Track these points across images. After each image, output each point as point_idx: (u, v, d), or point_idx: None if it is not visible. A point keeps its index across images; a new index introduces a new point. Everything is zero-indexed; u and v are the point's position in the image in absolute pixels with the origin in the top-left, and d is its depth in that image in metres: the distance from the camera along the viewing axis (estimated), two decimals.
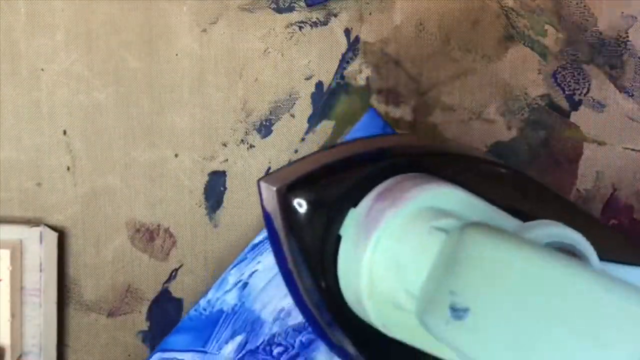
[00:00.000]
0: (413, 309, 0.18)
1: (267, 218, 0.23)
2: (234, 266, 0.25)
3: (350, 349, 0.23)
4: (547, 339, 0.13)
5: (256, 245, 0.25)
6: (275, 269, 0.25)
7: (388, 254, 0.19)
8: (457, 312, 0.15)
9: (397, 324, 0.20)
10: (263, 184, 0.23)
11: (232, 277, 0.25)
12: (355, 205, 0.21)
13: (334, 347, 0.23)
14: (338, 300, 0.21)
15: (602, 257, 0.18)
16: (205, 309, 0.25)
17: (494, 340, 0.14)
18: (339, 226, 0.21)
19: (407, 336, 0.20)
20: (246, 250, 0.25)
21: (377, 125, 0.27)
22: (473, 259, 0.15)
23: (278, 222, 0.22)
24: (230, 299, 0.25)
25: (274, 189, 0.22)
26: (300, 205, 0.21)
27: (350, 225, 0.21)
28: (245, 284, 0.25)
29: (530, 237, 0.17)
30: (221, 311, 0.25)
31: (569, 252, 0.18)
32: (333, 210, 0.21)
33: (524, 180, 0.24)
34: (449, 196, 0.20)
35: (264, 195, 0.23)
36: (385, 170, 0.21)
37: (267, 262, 0.25)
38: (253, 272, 0.25)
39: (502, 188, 0.22)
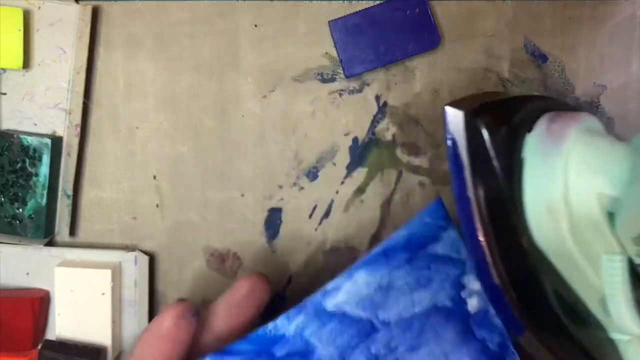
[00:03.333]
0: (604, 217, 0.18)
1: (452, 142, 0.22)
2: None
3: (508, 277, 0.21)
4: None
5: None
6: None
7: (580, 159, 0.19)
8: None
9: (585, 242, 0.19)
10: (449, 109, 0.22)
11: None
12: (529, 131, 0.20)
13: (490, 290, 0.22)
14: (520, 225, 0.20)
15: None
16: None
17: None
18: (519, 151, 0.20)
19: (585, 262, 0.19)
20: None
21: (440, 215, 0.26)
22: None
23: (462, 144, 0.21)
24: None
25: (461, 112, 0.21)
26: (485, 127, 0.21)
27: (533, 145, 0.20)
28: None
29: None
30: None
31: None
32: (512, 137, 0.21)
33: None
34: (598, 123, 0.21)
35: (450, 119, 0.22)
36: (541, 107, 0.21)
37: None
38: None
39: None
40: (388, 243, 0.25)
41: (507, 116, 0.21)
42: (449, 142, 0.22)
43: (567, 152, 0.19)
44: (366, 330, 0.24)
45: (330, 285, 0.25)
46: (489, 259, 0.22)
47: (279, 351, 0.24)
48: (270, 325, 0.24)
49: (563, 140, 0.19)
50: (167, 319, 0.25)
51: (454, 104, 0.22)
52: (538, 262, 0.21)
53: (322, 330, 0.24)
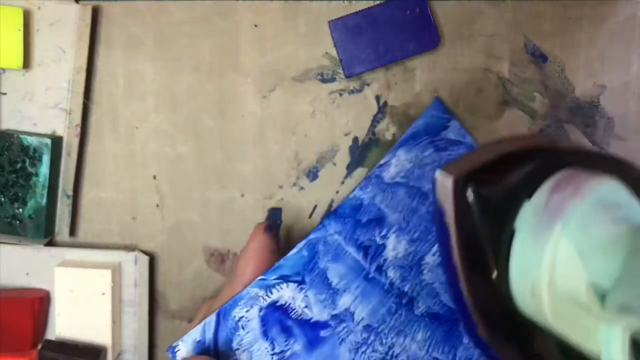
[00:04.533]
0: (594, 301, 0.16)
1: (438, 208, 0.21)
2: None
3: (508, 353, 0.20)
4: None
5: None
6: None
7: (572, 243, 0.17)
8: None
9: (571, 319, 0.17)
10: (439, 175, 0.20)
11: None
12: (529, 197, 0.18)
13: (479, 344, 0.21)
14: (505, 297, 0.19)
15: None
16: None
17: None
18: (513, 219, 0.19)
19: (577, 334, 0.17)
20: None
21: (442, 110, 0.33)
22: None
23: (450, 213, 0.20)
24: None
25: (451, 178, 0.20)
26: (476, 195, 0.19)
27: (527, 216, 0.18)
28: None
29: None
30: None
31: None
32: (506, 203, 0.19)
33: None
34: (617, 190, 0.18)
35: (439, 185, 0.20)
36: (551, 166, 0.19)
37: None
38: None
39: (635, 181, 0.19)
40: (413, 129, 0.33)
41: (502, 181, 0.19)
42: (437, 210, 0.21)
43: (559, 234, 0.17)
44: (420, 194, 0.31)
45: (382, 160, 0.32)
46: (475, 318, 0.21)
47: (363, 218, 0.31)
48: (352, 195, 0.31)
49: (558, 220, 0.17)
50: (258, 236, 0.30)
51: (446, 168, 0.20)
52: (530, 325, 0.20)
53: (389, 198, 0.31)
